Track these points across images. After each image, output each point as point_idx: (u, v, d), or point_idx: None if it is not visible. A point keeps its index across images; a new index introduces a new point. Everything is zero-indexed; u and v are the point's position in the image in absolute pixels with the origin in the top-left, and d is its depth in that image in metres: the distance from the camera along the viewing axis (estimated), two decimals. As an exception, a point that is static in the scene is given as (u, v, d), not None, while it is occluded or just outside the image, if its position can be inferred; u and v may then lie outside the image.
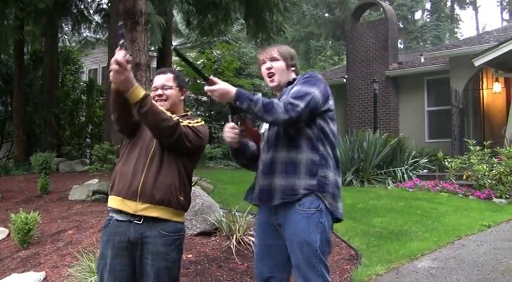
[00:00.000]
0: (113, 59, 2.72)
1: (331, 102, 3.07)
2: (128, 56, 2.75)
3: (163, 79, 3.29)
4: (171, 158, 3.08)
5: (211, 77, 2.83)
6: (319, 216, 2.94)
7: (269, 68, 3.14)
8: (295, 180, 2.94)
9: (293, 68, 3.21)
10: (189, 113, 3.37)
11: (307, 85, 2.98)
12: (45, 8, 12.59)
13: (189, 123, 3.12)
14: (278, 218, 3.03)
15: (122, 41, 2.79)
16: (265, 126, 3.17)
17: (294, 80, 3.15)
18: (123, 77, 2.76)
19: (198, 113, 20.01)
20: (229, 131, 3.05)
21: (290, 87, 3.08)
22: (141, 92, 2.83)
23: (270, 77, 3.15)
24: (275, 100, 2.89)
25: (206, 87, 2.84)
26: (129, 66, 2.77)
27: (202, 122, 3.24)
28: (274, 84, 3.14)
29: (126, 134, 3.21)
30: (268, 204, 3.02)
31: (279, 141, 3.01)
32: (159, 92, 3.24)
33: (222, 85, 2.83)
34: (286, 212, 2.98)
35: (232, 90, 2.83)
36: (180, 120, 3.05)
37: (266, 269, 3.12)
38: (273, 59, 3.15)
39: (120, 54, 2.74)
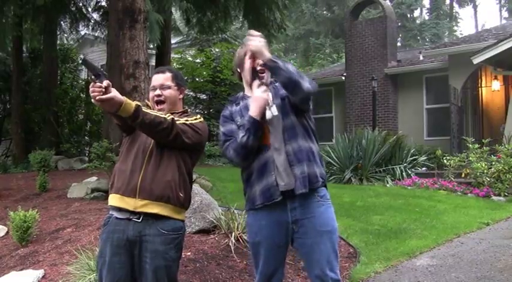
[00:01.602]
0: (91, 96, 2.72)
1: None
2: (103, 84, 2.70)
3: (161, 79, 3.27)
4: (171, 154, 3.08)
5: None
6: (332, 206, 3.15)
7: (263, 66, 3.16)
8: (316, 168, 3.08)
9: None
10: (188, 111, 3.37)
11: None
12: (44, 5, 12.60)
13: (187, 120, 3.12)
14: (296, 214, 3.05)
15: (91, 75, 2.80)
16: (272, 113, 3.07)
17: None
18: (109, 105, 2.75)
19: (197, 111, 20.00)
20: (262, 93, 3.04)
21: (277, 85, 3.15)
22: (131, 107, 2.80)
23: (262, 73, 3.14)
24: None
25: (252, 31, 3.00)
26: (111, 93, 2.72)
27: (201, 119, 3.24)
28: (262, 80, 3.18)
29: (126, 129, 3.20)
30: (305, 191, 3.00)
31: (298, 131, 3.07)
32: (158, 92, 3.23)
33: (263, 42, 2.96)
34: (305, 206, 3.04)
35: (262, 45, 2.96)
36: (176, 118, 3.06)
37: (270, 268, 3.14)
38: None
39: (94, 92, 2.71)
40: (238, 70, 3.25)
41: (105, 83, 2.68)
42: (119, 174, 3.11)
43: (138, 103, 2.89)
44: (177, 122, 3.02)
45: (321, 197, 3.08)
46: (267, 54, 2.93)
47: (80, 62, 2.78)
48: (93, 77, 2.72)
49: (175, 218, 3.08)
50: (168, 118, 2.97)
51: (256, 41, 2.93)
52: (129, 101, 2.80)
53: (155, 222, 3.01)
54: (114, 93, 2.72)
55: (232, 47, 21.02)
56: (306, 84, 2.94)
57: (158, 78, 3.28)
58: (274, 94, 3.11)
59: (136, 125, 2.91)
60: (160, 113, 3.02)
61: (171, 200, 3.04)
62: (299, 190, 2.99)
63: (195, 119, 3.18)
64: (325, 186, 3.15)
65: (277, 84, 3.16)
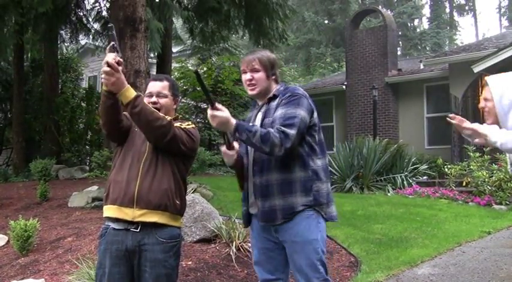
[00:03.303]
0: (103, 61, 2.75)
1: (315, 115, 3.18)
2: (118, 57, 2.77)
3: (159, 86, 3.27)
4: (166, 162, 3.08)
5: (216, 104, 2.88)
6: (317, 217, 3.08)
7: (250, 80, 3.19)
8: (293, 199, 3.04)
9: (273, 77, 3.25)
10: (179, 117, 3.38)
11: (293, 106, 3.04)
12: (45, 13, 12.63)
13: (181, 125, 3.13)
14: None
15: (112, 43, 2.82)
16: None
17: (275, 95, 3.19)
18: (114, 78, 2.78)
19: (198, 120, 20.00)
20: (229, 154, 3.12)
21: (274, 105, 3.13)
22: (133, 93, 2.84)
23: (249, 86, 3.20)
24: (271, 130, 2.93)
25: (209, 111, 2.88)
26: (120, 67, 2.79)
27: (193, 125, 3.24)
28: (254, 93, 3.21)
29: (115, 139, 3.20)
30: (272, 224, 3.08)
31: (271, 163, 3.06)
32: (154, 99, 3.22)
33: (224, 114, 2.88)
34: None
35: (233, 121, 2.90)
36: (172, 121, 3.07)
37: (268, 273, 3.19)
38: (253, 70, 3.18)
39: (110, 56, 2.77)
40: None
41: (120, 59, 2.78)
42: (114, 184, 3.09)
43: (140, 93, 2.92)
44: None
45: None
46: (230, 128, 2.93)
47: (108, 27, 2.79)
48: (115, 46, 2.79)
49: (172, 226, 3.10)
50: (167, 118, 2.99)
51: (216, 119, 2.89)
52: (131, 88, 2.85)
53: (153, 231, 3.01)
54: (122, 74, 2.80)
55: (234, 60, 21.07)
56: (267, 149, 2.93)
57: (156, 86, 3.27)
58: (261, 119, 3.16)
59: (135, 116, 2.90)
60: (160, 112, 3.04)
61: (169, 208, 3.05)
62: (259, 221, 3.14)
63: (188, 125, 3.19)
64: (316, 209, 3.08)
65: (270, 105, 3.17)
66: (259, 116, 3.19)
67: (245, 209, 3.23)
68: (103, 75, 2.76)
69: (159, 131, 2.94)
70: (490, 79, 3.06)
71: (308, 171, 3.07)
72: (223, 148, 3.11)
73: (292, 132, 2.94)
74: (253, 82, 3.18)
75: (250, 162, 3.17)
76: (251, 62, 3.19)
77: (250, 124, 3.04)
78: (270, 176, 3.06)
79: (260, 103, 3.27)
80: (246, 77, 3.20)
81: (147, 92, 3.28)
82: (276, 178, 3.05)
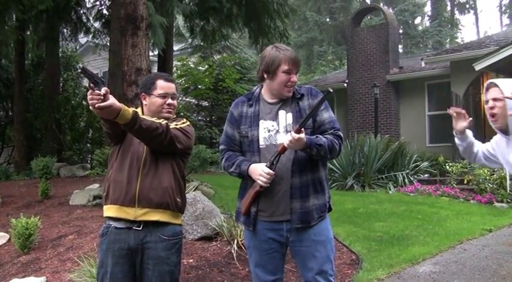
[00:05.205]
0: (90, 104, 2.65)
1: None
2: (102, 91, 2.63)
3: (173, 88, 3.29)
4: (165, 160, 3.09)
5: (302, 129, 2.89)
6: (328, 217, 3.20)
7: (294, 81, 3.11)
8: (323, 197, 3.13)
9: None
10: (175, 115, 3.38)
11: (330, 110, 3.16)
12: (46, 11, 12.61)
13: (176, 125, 3.13)
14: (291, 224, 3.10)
15: (89, 83, 2.70)
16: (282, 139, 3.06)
17: (302, 95, 3.15)
18: (106, 112, 2.69)
19: (199, 117, 20.02)
20: (269, 177, 2.98)
21: (305, 105, 3.12)
22: (129, 113, 2.77)
23: (290, 87, 3.11)
24: (331, 138, 3.03)
25: (295, 134, 2.85)
26: (107, 98, 2.65)
27: (188, 122, 3.26)
28: (290, 95, 3.13)
29: (116, 139, 3.17)
30: (308, 225, 3.07)
31: (308, 162, 3.07)
32: (170, 101, 3.23)
33: (303, 136, 2.88)
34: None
35: (305, 139, 2.90)
36: (168, 122, 3.07)
37: (270, 274, 3.18)
38: (297, 72, 3.15)
39: (93, 98, 2.63)
40: (265, 75, 3.13)
41: (104, 90, 2.64)
42: (115, 184, 3.09)
43: (135, 109, 2.89)
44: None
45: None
46: (303, 144, 2.91)
47: (79, 70, 2.71)
48: (91, 84, 2.66)
49: (174, 223, 3.12)
50: (163, 123, 2.98)
51: (300, 141, 2.87)
52: (126, 107, 2.78)
53: (155, 229, 3.03)
54: (112, 100, 2.67)
55: (235, 60, 21.04)
56: (329, 156, 3.07)
57: (171, 87, 3.27)
58: (295, 120, 3.08)
59: (133, 132, 2.90)
60: (155, 118, 3.02)
61: (170, 206, 3.07)
62: (295, 224, 3.06)
63: (183, 123, 3.20)
64: (329, 201, 3.22)
65: (301, 106, 3.13)
66: (286, 115, 3.11)
67: (254, 209, 3.11)
68: (97, 111, 2.67)
69: (157, 139, 2.95)
70: (496, 80, 3.04)
71: (326, 169, 3.22)
72: (266, 169, 2.97)
73: (342, 135, 3.11)
74: (293, 84, 3.11)
75: (289, 162, 3.06)
76: (300, 65, 3.19)
77: (314, 136, 3.00)
78: (308, 176, 3.07)
79: (272, 100, 3.17)
80: (292, 78, 3.08)
81: (160, 92, 3.21)
82: (312, 178, 3.08)
